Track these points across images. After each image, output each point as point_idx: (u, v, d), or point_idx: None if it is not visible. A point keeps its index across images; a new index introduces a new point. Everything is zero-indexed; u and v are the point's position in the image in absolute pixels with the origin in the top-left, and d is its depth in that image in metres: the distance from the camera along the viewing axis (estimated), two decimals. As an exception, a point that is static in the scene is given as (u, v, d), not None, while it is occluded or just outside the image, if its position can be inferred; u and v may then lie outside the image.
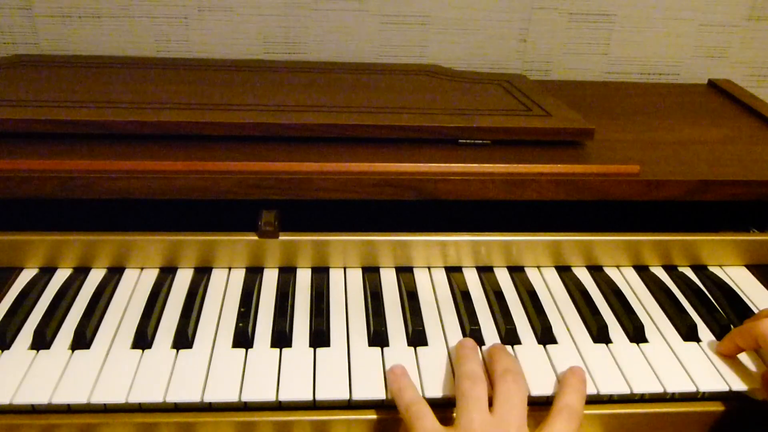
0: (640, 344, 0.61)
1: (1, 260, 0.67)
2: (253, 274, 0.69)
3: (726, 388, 0.57)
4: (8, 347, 0.58)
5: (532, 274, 0.71)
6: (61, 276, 0.67)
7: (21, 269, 0.68)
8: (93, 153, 0.69)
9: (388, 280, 0.69)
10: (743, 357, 0.60)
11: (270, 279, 0.68)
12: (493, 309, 0.65)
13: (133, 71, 0.87)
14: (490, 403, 0.51)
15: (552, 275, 0.71)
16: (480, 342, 0.61)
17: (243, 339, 0.59)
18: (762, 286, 0.71)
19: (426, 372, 0.57)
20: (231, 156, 0.69)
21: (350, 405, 0.55)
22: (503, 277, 0.70)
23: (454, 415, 0.53)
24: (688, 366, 0.59)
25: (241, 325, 0.61)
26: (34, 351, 0.58)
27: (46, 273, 0.68)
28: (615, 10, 1.04)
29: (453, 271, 0.71)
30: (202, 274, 0.68)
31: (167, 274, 0.68)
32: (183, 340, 0.59)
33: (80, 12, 0.98)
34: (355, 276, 0.70)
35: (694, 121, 0.88)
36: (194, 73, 0.87)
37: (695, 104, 0.95)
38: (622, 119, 0.87)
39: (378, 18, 1.01)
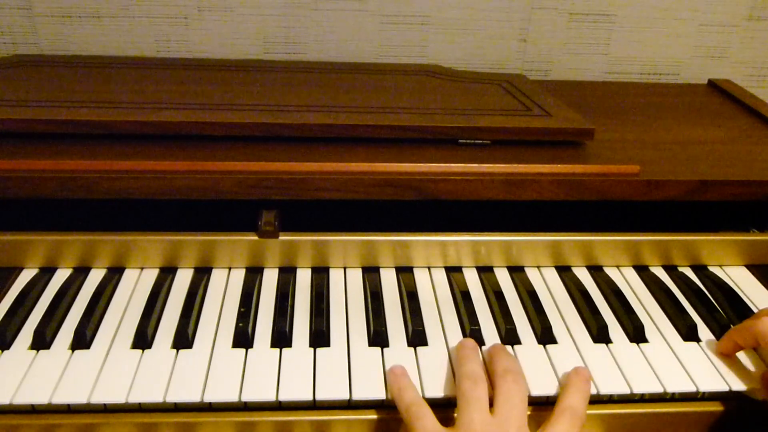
0: (640, 344, 0.61)
1: (1, 260, 0.67)
2: (253, 274, 0.69)
3: (726, 388, 0.57)
4: (8, 347, 0.58)
5: (532, 274, 0.71)
6: (61, 276, 0.67)
7: (21, 269, 0.68)
8: (93, 153, 0.69)
9: (388, 280, 0.69)
10: (743, 357, 0.60)
11: (270, 279, 0.68)
12: (493, 309, 0.65)
13: (133, 71, 0.87)
14: (491, 403, 0.51)
15: (552, 275, 0.71)
16: (480, 342, 0.61)
17: (243, 339, 0.59)
18: (762, 286, 0.71)
19: (426, 372, 0.57)
20: (231, 156, 0.69)
21: (350, 405, 0.55)
22: (503, 277, 0.70)
23: (455, 415, 0.53)
24: (688, 366, 0.59)
25: (241, 325, 0.61)
26: (34, 351, 0.58)
27: (46, 273, 0.68)
28: (615, 10, 1.04)
29: (453, 271, 0.71)
30: (202, 274, 0.68)
31: (167, 274, 0.68)
32: (183, 340, 0.59)
33: (80, 12, 0.98)
34: (355, 276, 0.70)
35: (694, 121, 0.88)
36: (194, 73, 0.87)
37: (695, 104, 0.95)
38: (622, 119, 0.87)
39: (378, 18, 1.01)
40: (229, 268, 0.70)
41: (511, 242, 0.70)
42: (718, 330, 0.63)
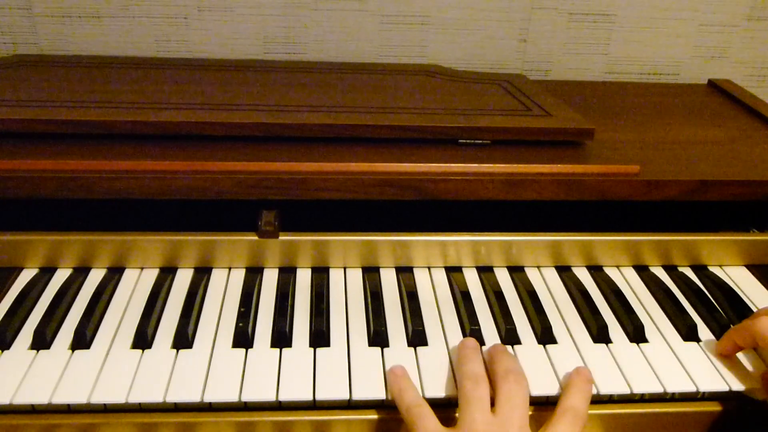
0: (640, 344, 0.61)
1: (1, 260, 0.67)
2: (253, 274, 0.69)
3: (726, 388, 0.57)
4: (8, 347, 0.58)
5: (532, 274, 0.71)
6: (61, 276, 0.67)
7: (21, 269, 0.68)
8: (93, 153, 0.69)
9: (388, 280, 0.69)
10: (743, 357, 0.60)
11: (270, 279, 0.68)
12: (493, 309, 0.65)
13: (133, 71, 0.87)
14: (492, 403, 0.51)
15: (552, 275, 0.71)
16: (480, 342, 0.61)
17: (243, 339, 0.59)
18: (762, 286, 0.71)
19: (426, 372, 0.57)
20: (231, 156, 0.69)
21: (350, 405, 0.55)
22: (503, 277, 0.70)
23: (457, 415, 0.53)
24: (688, 366, 0.59)
25: (241, 325, 0.61)
26: (34, 351, 0.58)
27: (46, 273, 0.68)
28: (615, 10, 1.04)
29: (453, 271, 0.71)
30: (202, 274, 0.68)
31: (167, 274, 0.68)
32: (183, 340, 0.59)
33: (80, 12, 0.98)
34: (355, 276, 0.70)
35: (694, 121, 0.88)
36: (194, 73, 0.87)
37: (695, 104, 0.95)
38: (622, 119, 0.87)
39: (378, 18, 1.01)
40: (229, 268, 0.70)
41: (511, 242, 0.70)
42: (718, 330, 0.63)
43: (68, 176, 0.65)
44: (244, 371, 0.56)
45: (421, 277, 0.70)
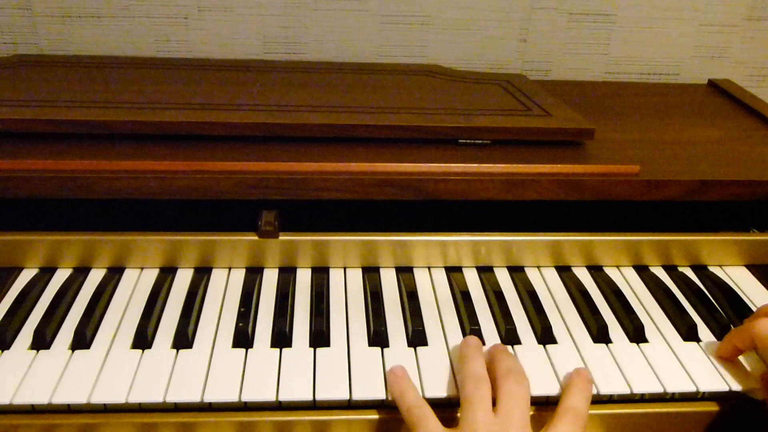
0: (640, 344, 0.61)
1: (1, 260, 0.67)
2: (253, 274, 0.69)
3: (726, 388, 0.57)
4: (8, 347, 0.58)
5: (532, 274, 0.71)
6: (61, 276, 0.67)
7: (21, 269, 0.68)
8: (93, 153, 0.69)
9: (388, 280, 0.69)
10: (742, 357, 0.60)
11: (270, 279, 0.68)
12: (493, 309, 0.65)
13: (133, 71, 0.87)
14: (494, 403, 0.51)
15: (552, 275, 0.71)
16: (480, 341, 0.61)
17: (243, 339, 0.59)
18: (762, 286, 0.71)
19: (426, 372, 0.57)
20: (231, 156, 0.69)
21: (350, 405, 0.55)
22: (503, 277, 0.70)
23: (458, 415, 0.53)
24: (688, 366, 0.59)
25: (241, 325, 0.61)
26: (34, 351, 0.58)
27: (46, 273, 0.68)
28: (615, 10, 1.04)
29: (453, 271, 0.71)
30: (202, 274, 0.68)
31: (167, 274, 0.68)
32: (183, 340, 0.59)
33: (80, 12, 0.98)
34: (355, 276, 0.70)
35: (694, 121, 0.88)
36: (194, 73, 0.87)
37: (695, 104, 0.95)
38: (622, 119, 0.87)
39: (378, 18, 1.01)
40: (229, 268, 0.70)
41: (511, 242, 0.70)
42: (718, 330, 0.63)
43: (68, 176, 0.65)
44: (244, 371, 0.56)
45: (421, 277, 0.70)
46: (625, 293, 0.68)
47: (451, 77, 0.90)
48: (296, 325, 0.62)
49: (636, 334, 0.62)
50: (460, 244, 0.70)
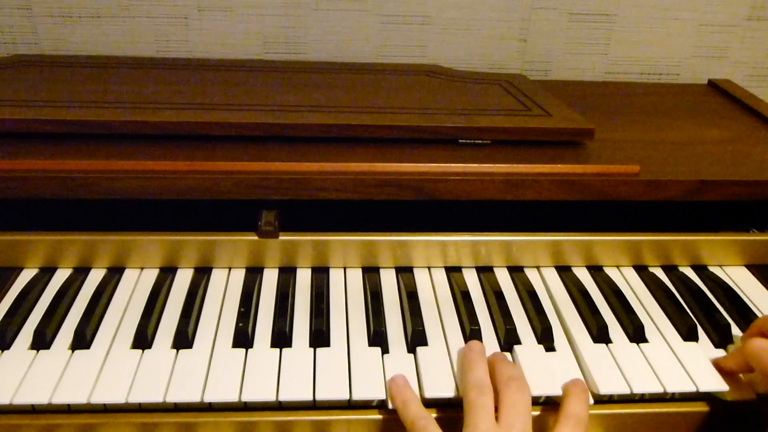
0: (640, 344, 0.61)
1: (1, 260, 0.67)
2: (253, 274, 0.69)
3: (726, 388, 0.57)
4: (8, 347, 0.58)
5: (532, 274, 0.71)
6: (61, 276, 0.67)
7: (21, 269, 0.68)
8: (93, 153, 0.69)
9: (388, 280, 0.69)
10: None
11: (270, 279, 0.68)
12: (493, 309, 0.65)
13: (133, 71, 0.87)
14: (496, 410, 0.51)
15: (552, 275, 0.71)
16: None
17: (243, 339, 0.59)
18: (762, 286, 0.71)
19: (426, 372, 0.57)
20: (231, 156, 0.69)
21: (350, 405, 0.55)
22: (503, 277, 0.70)
23: (460, 416, 0.53)
24: (688, 366, 0.59)
25: (241, 325, 0.61)
26: (34, 351, 0.58)
27: (46, 273, 0.68)
28: (615, 10, 1.04)
29: (453, 271, 0.71)
30: (202, 274, 0.68)
31: (167, 274, 0.68)
32: (183, 340, 0.59)
33: (80, 12, 0.98)
34: (355, 276, 0.70)
35: (694, 121, 0.88)
36: (194, 73, 0.87)
37: (695, 104, 0.95)
38: (622, 119, 0.87)
39: (378, 18, 1.01)
40: (229, 268, 0.70)
41: (511, 242, 0.70)
42: (718, 330, 0.63)
43: (68, 176, 0.65)
44: (244, 371, 0.56)
45: (421, 277, 0.70)
46: (625, 293, 0.68)
47: (451, 77, 0.90)
48: (296, 325, 0.62)
49: (636, 334, 0.62)
50: (460, 244, 0.70)
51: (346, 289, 0.68)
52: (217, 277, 0.68)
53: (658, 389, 0.56)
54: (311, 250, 0.69)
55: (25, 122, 0.70)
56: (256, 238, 0.68)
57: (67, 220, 0.69)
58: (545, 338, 0.62)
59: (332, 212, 0.73)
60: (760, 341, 0.55)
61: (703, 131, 0.85)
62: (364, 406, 0.55)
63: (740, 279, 0.72)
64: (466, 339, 0.61)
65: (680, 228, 0.73)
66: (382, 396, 0.55)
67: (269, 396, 0.54)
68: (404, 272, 0.70)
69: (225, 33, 1.01)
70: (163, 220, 0.70)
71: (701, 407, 0.57)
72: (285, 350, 0.59)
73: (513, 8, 1.02)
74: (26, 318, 0.62)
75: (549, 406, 0.56)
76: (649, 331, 0.63)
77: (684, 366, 0.59)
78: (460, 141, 0.74)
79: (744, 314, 0.66)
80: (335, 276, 0.69)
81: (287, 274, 0.69)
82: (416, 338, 0.60)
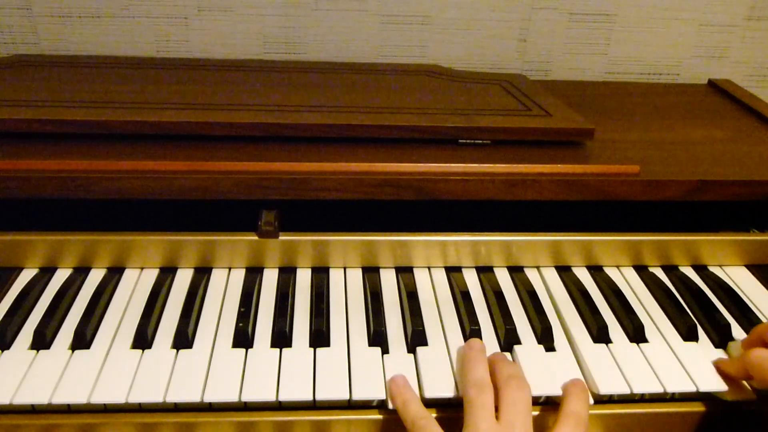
0: (640, 344, 0.61)
1: (1, 260, 0.67)
2: (253, 274, 0.69)
3: (726, 388, 0.57)
4: (8, 347, 0.58)
5: (532, 274, 0.71)
6: (61, 276, 0.67)
7: (21, 269, 0.68)
8: (93, 153, 0.69)
9: (388, 280, 0.69)
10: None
11: (270, 279, 0.68)
12: (493, 309, 0.65)
13: (133, 71, 0.87)
14: (497, 408, 0.52)
15: (552, 275, 0.71)
16: (480, 342, 0.61)
17: (243, 339, 0.59)
18: (762, 286, 0.71)
19: (426, 372, 0.57)
20: (231, 156, 0.69)
21: (350, 405, 0.55)
22: (503, 277, 0.70)
23: (460, 415, 0.53)
24: (688, 366, 0.59)
25: (241, 325, 0.61)
26: (34, 351, 0.58)
27: (46, 273, 0.68)
28: (615, 10, 1.04)
29: (453, 271, 0.71)
30: (202, 274, 0.68)
31: (167, 274, 0.68)
32: (183, 340, 0.59)
33: (80, 12, 0.98)
34: (355, 276, 0.70)
35: (694, 121, 0.88)
36: (194, 73, 0.87)
37: (695, 104, 0.95)
38: (622, 119, 0.87)
39: (378, 18, 1.01)
40: (229, 268, 0.70)
41: (511, 242, 0.70)
42: (718, 330, 0.63)
43: (68, 176, 0.65)
44: (244, 371, 0.56)
45: (421, 277, 0.70)
46: (625, 293, 0.68)
47: (451, 77, 0.90)
48: (296, 325, 0.62)
49: (636, 334, 0.62)
50: (460, 244, 0.70)
51: (346, 289, 0.68)
52: (217, 277, 0.68)
53: (658, 389, 0.56)
54: (311, 250, 0.69)
55: (25, 122, 0.70)
56: (256, 238, 0.68)
57: (67, 220, 0.69)
58: (545, 338, 0.62)
59: (332, 212, 0.73)
60: (760, 351, 0.55)
61: (703, 131, 0.85)
62: (364, 406, 0.55)
63: (740, 279, 0.72)
64: (466, 339, 0.61)
65: (680, 228, 0.73)
66: (382, 396, 0.55)
67: (269, 396, 0.54)
68: (404, 272, 0.70)
69: (225, 33, 1.01)
70: (163, 220, 0.70)
71: (701, 407, 0.57)
72: (285, 350, 0.59)
73: (513, 8, 1.02)
74: (26, 318, 0.62)
75: (549, 406, 0.56)
76: (649, 331, 0.63)
77: (684, 366, 0.59)
78: (460, 141, 0.74)
79: (744, 314, 0.66)
80: (335, 276, 0.69)
81: (287, 274, 0.69)
82: (416, 338, 0.60)
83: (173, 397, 0.53)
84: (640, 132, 0.83)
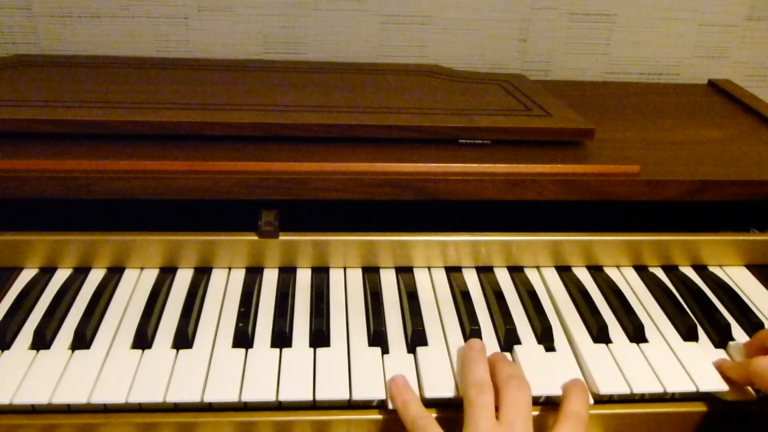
0: (640, 344, 0.61)
1: (1, 260, 0.67)
2: (253, 274, 0.69)
3: (726, 388, 0.57)
4: (8, 347, 0.58)
5: (532, 274, 0.71)
6: (61, 276, 0.67)
7: (21, 269, 0.68)
8: (93, 153, 0.69)
9: (388, 280, 0.69)
10: (737, 356, 0.60)
11: (270, 279, 0.68)
12: (493, 309, 0.65)
13: (133, 71, 0.87)
14: (497, 408, 0.52)
15: (552, 275, 0.71)
16: (480, 342, 0.61)
17: (243, 339, 0.59)
18: (762, 286, 0.71)
19: (426, 372, 0.57)
20: (231, 156, 0.69)
21: (350, 405, 0.55)
22: (503, 277, 0.70)
23: (460, 415, 0.53)
24: (688, 366, 0.59)
25: (241, 325, 0.61)
26: (34, 351, 0.58)
27: (46, 273, 0.68)
28: (615, 10, 1.04)
29: (453, 271, 0.71)
30: (202, 274, 0.68)
31: (167, 274, 0.68)
32: (183, 340, 0.59)
33: (80, 12, 0.98)
34: (355, 276, 0.70)
35: (694, 121, 0.88)
36: (194, 73, 0.87)
37: (695, 104, 0.95)
38: (622, 119, 0.87)
39: (378, 18, 1.01)
40: (229, 268, 0.70)
41: (511, 242, 0.70)
42: (718, 330, 0.63)
43: (68, 176, 0.65)
44: (244, 371, 0.56)
45: (421, 277, 0.70)
46: (625, 293, 0.68)
47: (451, 77, 0.90)
48: (296, 325, 0.62)
49: (636, 334, 0.62)
50: (460, 244, 0.70)
51: (346, 289, 0.68)
52: (217, 277, 0.68)
53: (658, 389, 0.56)
54: (311, 250, 0.69)
55: (25, 122, 0.70)
56: (256, 238, 0.68)
57: (67, 220, 0.69)
58: (545, 338, 0.62)
59: (332, 212, 0.73)
60: (763, 360, 0.54)
61: (703, 131, 0.85)
62: (364, 406, 0.55)
63: (740, 279, 0.72)
64: (466, 339, 0.61)
65: (680, 228, 0.73)
66: (382, 396, 0.55)
67: (269, 396, 0.54)
68: (404, 272, 0.70)
69: (225, 33, 1.01)
70: (163, 220, 0.70)
71: (701, 407, 0.57)
72: (285, 350, 0.59)
73: (513, 8, 1.02)
74: (26, 318, 0.62)
75: (549, 406, 0.56)
76: (649, 331, 0.63)
77: (684, 366, 0.59)
78: (460, 141, 0.74)
79: (744, 314, 0.66)
80: (335, 276, 0.69)
81: (287, 274, 0.69)
82: (416, 338, 0.60)
83: (173, 397, 0.53)
84: (640, 132, 0.83)
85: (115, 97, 0.77)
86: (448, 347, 0.60)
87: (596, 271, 0.72)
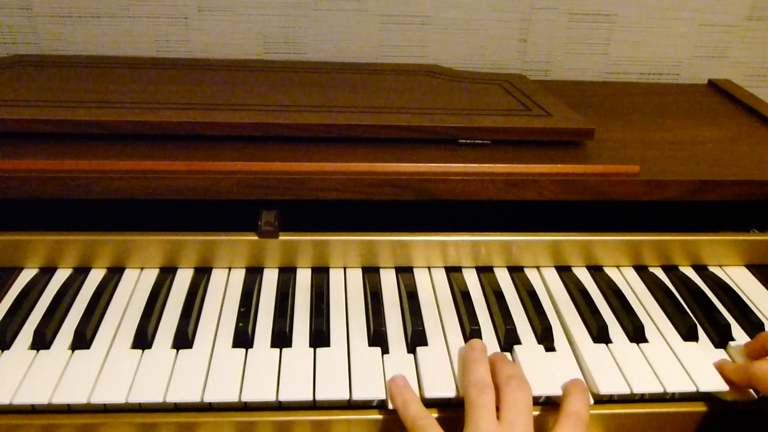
0: (640, 344, 0.61)
1: (1, 260, 0.67)
2: (253, 274, 0.69)
3: (726, 388, 0.57)
4: (8, 347, 0.58)
5: (532, 274, 0.71)
6: (61, 276, 0.67)
7: (21, 269, 0.68)
8: (93, 153, 0.69)
9: (388, 280, 0.69)
10: (738, 356, 0.60)
11: (270, 279, 0.68)
12: (493, 309, 0.65)
13: (133, 71, 0.87)
14: (497, 408, 0.52)
15: (552, 275, 0.71)
16: (480, 342, 0.61)
17: (243, 339, 0.59)
18: (762, 286, 0.71)
19: (426, 372, 0.57)
20: (231, 156, 0.69)
21: (350, 405, 0.55)
22: (503, 277, 0.70)
23: (459, 416, 0.53)
24: (688, 366, 0.59)
25: (241, 325, 0.61)
26: (34, 351, 0.58)
27: (46, 273, 0.68)
28: (615, 10, 1.04)
29: (453, 271, 0.71)
30: (202, 274, 0.68)
31: (167, 274, 0.68)
32: (183, 340, 0.59)
33: (80, 12, 0.98)
34: (355, 276, 0.70)
35: (694, 121, 0.88)
36: (194, 73, 0.87)
37: (695, 104, 0.95)
38: (622, 119, 0.87)
39: (378, 18, 1.01)
40: (229, 268, 0.70)
41: (511, 242, 0.70)
42: (718, 330, 0.63)
43: (68, 176, 0.65)
44: (244, 371, 0.56)
45: (421, 277, 0.70)
46: (625, 293, 0.68)
47: (451, 77, 0.90)
48: (296, 325, 0.62)
49: (636, 334, 0.62)
50: (460, 244, 0.70)
51: (346, 289, 0.68)
52: (217, 277, 0.68)
53: (658, 389, 0.56)
54: (311, 250, 0.69)
55: (25, 122, 0.70)
56: (256, 238, 0.68)
57: (67, 220, 0.69)
58: (545, 338, 0.62)
59: (332, 212, 0.73)
60: (765, 364, 0.54)
61: (703, 131, 0.85)
62: (364, 406, 0.55)
63: (740, 279, 0.72)
64: (466, 339, 0.61)
65: (680, 228, 0.73)
66: (382, 396, 0.55)
67: (269, 396, 0.54)
68: (404, 272, 0.70)
69: (225, 33, 1.01)
70: (163, 220, 0.70)
71: (701, 407, 0.57)
72: (285, 350, 0.59)
73: (513, 8, 1.02)
74: (26, 318, 0.62)
75: (549, 405, 0.56)
76: (649, 331, 0.64)
77: (684, 366, 0.59)
78: (460, 141, 0.74)
79: (744, 314, 0.66)
80: (335, 276, 0.69)
81: (287, 274, 0.69)
82: (416, 338, 0.60)
83: (173, 397, 0.53)
84: (640, 132, 0.83)
85: (115, 97, 0.77)
86: (448, 347, 0.60)
87: (596, 271, 0.72)
